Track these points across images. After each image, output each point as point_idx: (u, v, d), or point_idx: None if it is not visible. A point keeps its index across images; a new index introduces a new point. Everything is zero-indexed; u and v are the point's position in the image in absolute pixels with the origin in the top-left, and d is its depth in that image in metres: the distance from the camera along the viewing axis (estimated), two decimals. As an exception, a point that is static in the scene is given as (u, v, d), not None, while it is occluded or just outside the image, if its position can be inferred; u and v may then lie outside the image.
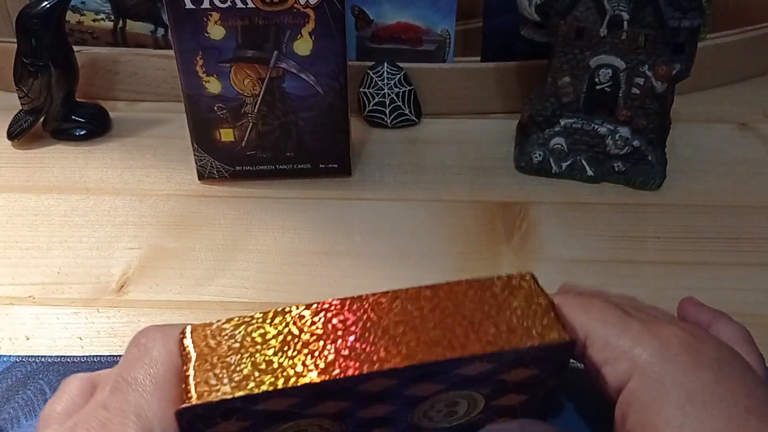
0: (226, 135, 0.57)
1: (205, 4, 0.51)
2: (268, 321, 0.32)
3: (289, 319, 0.32)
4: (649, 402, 0.31)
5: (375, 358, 0.31)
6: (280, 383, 0.30)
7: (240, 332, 0.32)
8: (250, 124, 0.57)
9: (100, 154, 0.63)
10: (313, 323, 0.32)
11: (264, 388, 0.30)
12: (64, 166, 0.62)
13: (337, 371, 0.30)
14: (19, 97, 0.63)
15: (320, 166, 0.59)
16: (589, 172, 0.59)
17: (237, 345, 0.31)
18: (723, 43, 0.69)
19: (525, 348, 0.31)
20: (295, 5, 0.51)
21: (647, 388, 0.31)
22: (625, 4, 0.52)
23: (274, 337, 0.32)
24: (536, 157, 0.60)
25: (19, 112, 0.63)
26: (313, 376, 0.30)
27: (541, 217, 0.56)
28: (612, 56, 0.55)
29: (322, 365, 0.30)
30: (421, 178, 0.61)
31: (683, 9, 0.52)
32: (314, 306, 0.33)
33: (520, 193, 0.59)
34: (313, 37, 0.53)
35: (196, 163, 0.59)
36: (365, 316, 0.32)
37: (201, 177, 0.60)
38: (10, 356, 0.45)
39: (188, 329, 0.33)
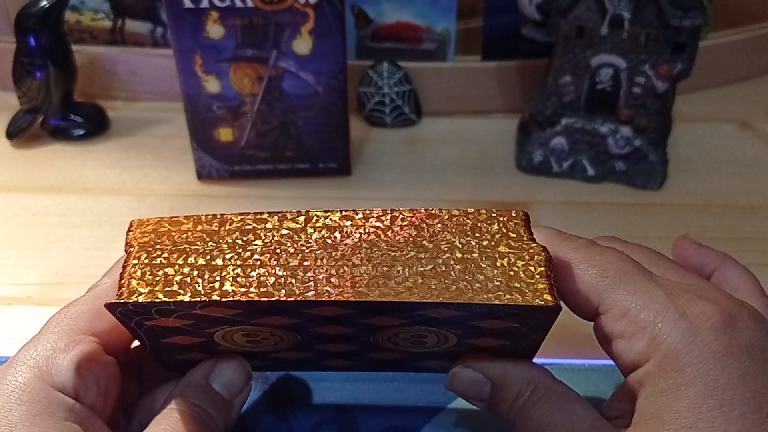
0: (225, 134, 0.57)
1: (204, 3, 0.50)
2: (227, 223, 0.30)
3: (250, 221, 0.30)
4: (663, 391, 0.28)
5: (320, 287, 0.27)
6: (215, 296, 0.27)
7: (189, 229, 0.30)
8: (249, 124, 0.57)
9: (99, 153, 0.63)
10: (274, 232, 0.29)
11: (196, 298, 0.27)
12: (63, 166, 0.62)
13: (279, 293, 0.27)
14: (18, 97, 0.62)
15: (320, 165, 0.59)
16: (590, 172, 0.59)
17: (183, 243, 0.29)
18: (724, 42, 0.69)
19: (499, 305, 0.27)
20: (295, 4, 0.51)
21: (664, 375, 0.27)
22: (626, 3, 0.52)
23: (224, 237, 0.29)
24: (537, 157, 0.60)
25: (18, 112, 0.63)
26: (248, 294, 0.27)
27: (542, 217, 0.56)
28: (613, 55, 0.55)
29: (263, 282, 0.27)
30: (421, 178, 0.61)
31: (684, 8, 0.52)
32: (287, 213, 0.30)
33: (520, 193, 0.59)
34: (312, 36, 0.53)
35: (195, 162, 0.59)
36: (330, 237, 0.29)
37: (200, 176, 0.59)
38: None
39: (135, 222, 0.31)
